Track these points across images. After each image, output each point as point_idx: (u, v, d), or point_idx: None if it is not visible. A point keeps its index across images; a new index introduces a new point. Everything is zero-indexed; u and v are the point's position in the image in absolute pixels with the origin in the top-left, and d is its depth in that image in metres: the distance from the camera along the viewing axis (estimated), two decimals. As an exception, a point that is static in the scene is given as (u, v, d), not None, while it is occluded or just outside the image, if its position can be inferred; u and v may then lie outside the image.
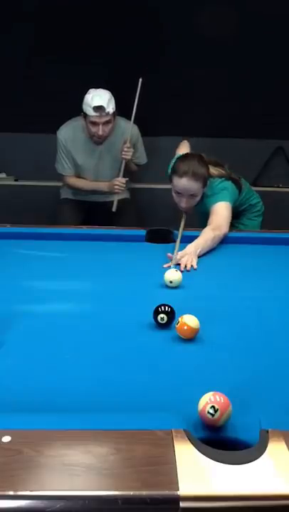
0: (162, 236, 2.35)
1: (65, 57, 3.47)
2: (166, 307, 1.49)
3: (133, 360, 1.34)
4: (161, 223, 2.46)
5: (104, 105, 2.91)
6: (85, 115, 3.01)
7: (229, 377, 1.25)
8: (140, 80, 2.99)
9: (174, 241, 2.32)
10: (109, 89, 3.02)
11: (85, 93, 3.01)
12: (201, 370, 1.30)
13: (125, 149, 3.11)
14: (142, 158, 3.38)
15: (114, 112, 3.01)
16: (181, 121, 3.26)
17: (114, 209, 3.13)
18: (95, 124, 2.99)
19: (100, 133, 3.01)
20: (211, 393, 1.06)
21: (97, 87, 3.03)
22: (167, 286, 1.81)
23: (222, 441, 0.99)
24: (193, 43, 3.39)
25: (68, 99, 3.06)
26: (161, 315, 1.48)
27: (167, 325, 1.48)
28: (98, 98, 2.93)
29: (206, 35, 3.36)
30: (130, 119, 3.12)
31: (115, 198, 3.14)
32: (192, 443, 0.93)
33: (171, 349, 1.40)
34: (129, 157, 3.13)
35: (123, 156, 3.12)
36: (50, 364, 1.31)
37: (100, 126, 2.99)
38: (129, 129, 3.11)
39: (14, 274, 1.93)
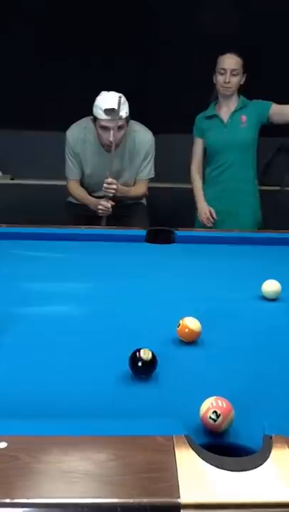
0: (163, 236, 2.34)
1: (65, 57, 3.47)
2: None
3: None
4: (162, 223, 2.44)
5: (116, 107, 2.64)
6: (95, 119, 2.74)
7: (231, 381, 1.23)
8: None
9: (175, 241, 2.31)
10: (109, 88, 3.00)
11: (84, 92, 2.92)
12: (202, 374, 1.28)
13: (105, 185, 2.77)
14: (145, 175, 2.98)
15: (127, 117, 2.74)
16: (181, 119, 3.24)
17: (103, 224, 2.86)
18: (105, 129, 2.71)
19: (111, 139, 2.70)
20: (213, 398, 1.04)
21: (97, 86, 2.99)
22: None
23: (224, 448, 0.97)
24: (193, 42, 3.38)
25: (68, 99, 3.05)
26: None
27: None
28: (110, 100, 2.67)
29: (206, 33, 3.36)
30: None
31: (103, 218, 2.86)
32: (193, 449, 0.92)
33: (172, 352, 1.38)
34: (111, 194, 2.80)
35: (105, 192, 2.79)
36: (48, 368, 1.28)
37: (111, 132, 2.68)
38: (142, 137, 2.86)
39: (12, 276, 1.91)
